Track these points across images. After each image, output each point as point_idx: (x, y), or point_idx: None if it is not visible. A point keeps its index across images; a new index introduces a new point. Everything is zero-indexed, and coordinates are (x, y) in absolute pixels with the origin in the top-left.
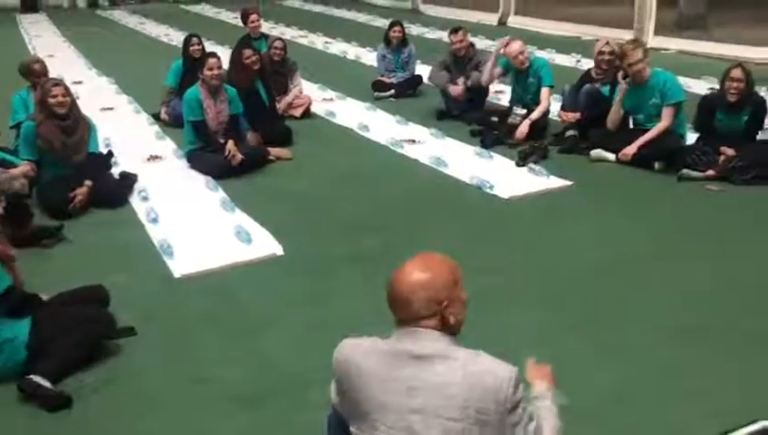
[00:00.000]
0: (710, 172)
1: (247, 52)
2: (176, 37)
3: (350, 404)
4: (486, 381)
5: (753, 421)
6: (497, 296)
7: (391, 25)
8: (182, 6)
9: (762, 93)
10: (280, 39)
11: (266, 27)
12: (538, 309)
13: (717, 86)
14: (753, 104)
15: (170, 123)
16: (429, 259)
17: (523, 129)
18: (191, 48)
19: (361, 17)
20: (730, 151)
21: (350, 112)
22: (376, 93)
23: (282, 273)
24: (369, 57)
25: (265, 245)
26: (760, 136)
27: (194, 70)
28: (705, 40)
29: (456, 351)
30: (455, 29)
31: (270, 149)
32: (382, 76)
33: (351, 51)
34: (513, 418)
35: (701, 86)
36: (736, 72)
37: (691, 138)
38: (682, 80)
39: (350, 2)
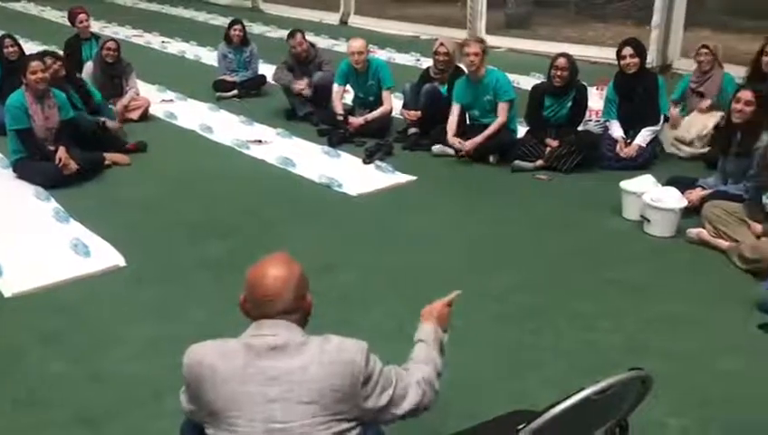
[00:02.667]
0: (539, 162)
1: (47, 60)
2: None
3: (205, 406)
4: (340, 356)
5: (581, 389)
6: (352, 292)
7: (231, 24)
8: (1, 4)
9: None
10: (113, 39)
11: (97, 27)
12: (391, 301)
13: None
14: (576, 90)
15: None
16: (284, 258)
17: (358, 121)
18: (5, 50)
19: (200, 16)
20: (554, 143)
21: (192, 114)
22: (218, 94)
23: (126, 285)
24: (210, 56)
25: (106, 256)
26: (581, 127)
27: (12, 73)
28: (530, 38)
29: (309, 338)
30: (291, 33)
31: (106, 155)
32: (224, 76)
33: (191, 50)
34: (366, 390)
35: (529, 82)
36: (561, 61)
37: (521, 132)
38: (512, 76)
39: (188, 0)
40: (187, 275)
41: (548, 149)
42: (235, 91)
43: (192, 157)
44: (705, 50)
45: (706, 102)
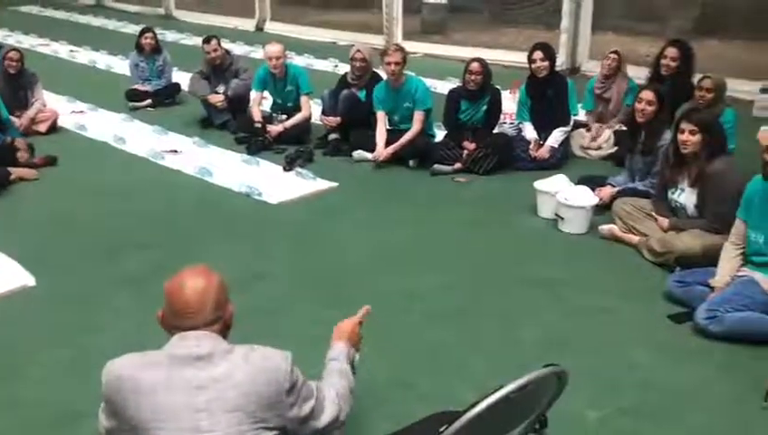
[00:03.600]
0: (457, 165)
1: None
2: None
3: (128, 421)
4: (265, 364)
5: (500, 387)
6: (276, 301)
7: (142, 32)
8: None
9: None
10: (15, 49)
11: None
12: (316, 309)
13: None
14: (490, 93)
15: None
16: (202, 269)
17: (276, 129)
18: None
19: (111, 24)
20: (471, 145)
21: (104, 124)
22: (131, 103)
23: (36, 306)
24: (122, 66)
25: (13, 276)
26: (496, 130)
27: None
28: (446, 44)
29: (234, 347)
30: (207, 38)
31: (12, 170)
32: (137, 85)
33: (101, 59)
34: (290, 398)
35: (446, 86)
36: (475, 66)
37: (440, 136)
38: (429, 80)
39: (97, 8)
40: (104, 292)
41: (465, 152)
42: (148, 101)
43: (105, 169)
44: (614, 55)
45: (612, 123)
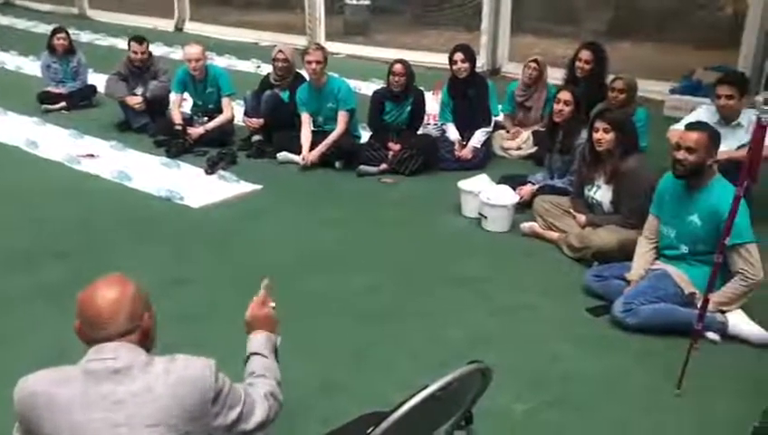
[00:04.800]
0: (383, 166)
1: None
2: None
3: None
4: (187, 374)
5: (425, 386)
6: (199, 307)
7: (54, 32)
8: None
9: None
10: None
11: None
12: (240, 314)
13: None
14: (414, 94)
15: None
16: (116, 278)
17: (197, 131)
18: None
19: (21, 23)
20: (396, 147)
21: (15, 128)
22: (44, 106)
23: None
24: (33, 67)
25: None
26: (420, 130)
27: None
28: (369, 45)
29: (154, 359)
30: (139, 39)
31: None
32: (50, 87)
33: (11, 60)
34: (215, 408)
35: (369, 87)
36: (398, 67)
37: (365, 137)
38: (353, 82)
39: (5, 6)
40: (18, 303)
41: (391, 153)
42: (62, 104)
43: (17, 175)
44: (533, 63)
45: (527, 131)
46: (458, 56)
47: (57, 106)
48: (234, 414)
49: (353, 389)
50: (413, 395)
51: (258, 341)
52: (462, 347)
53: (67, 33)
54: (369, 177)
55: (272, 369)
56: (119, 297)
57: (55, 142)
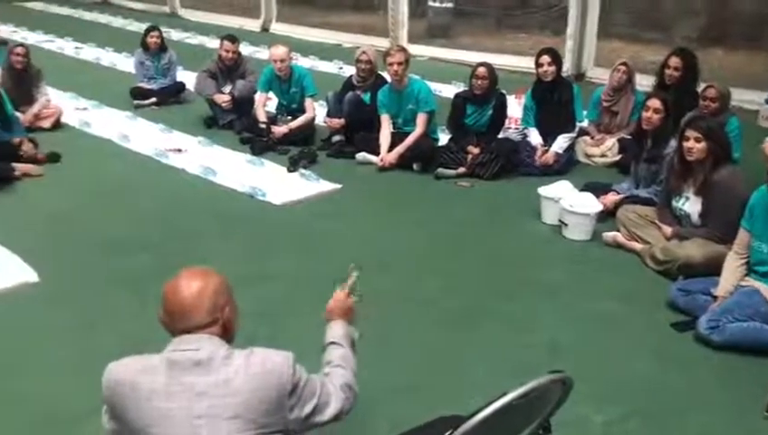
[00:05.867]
0: (461, 170)
1: None
2: None
3: (127, 424)
4: (266, 368)
5: (504, 393)
6: (277, 303)
7: (148, 30)
8: None
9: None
10: (21, 45)
11: (6, 31)
12: (317, 312)
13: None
14: (496, 97)
15: None
16: (200, 270)
17: (281, 130)
18: None
19: (116, 21)
20: (476, 150)
21: (108, 122)
22: (136, 101)
23: (38, 302)
24: (127, 63)
25: (15, 272)
26: (501, 134)
27: None
28: (452, 48)
29: (234, 352)
30: (231, 37)
31: (15, 166)
32: (142, 83)
33: (106, 57)
34: (291, 400)
35: (450, 90)
36: (481, 70)
37: (444, 140)
38: (434, 85)
39: (103, 5)
40: (106, 290)
41: (470, 156)
42: (153, 99)
43: (109, 167)
44: (623, 67)
45: (612, 138)
46: (545, 59)
47: (148, 102)
48: (309, 407)
49: (427, 392)
50: (492, 401)
51: (337, 330)
52: (539, 354)
53: (160, 31)
54: (446, 179)
55: (349, 360)
56: (202, 289)
57: (146, 136)
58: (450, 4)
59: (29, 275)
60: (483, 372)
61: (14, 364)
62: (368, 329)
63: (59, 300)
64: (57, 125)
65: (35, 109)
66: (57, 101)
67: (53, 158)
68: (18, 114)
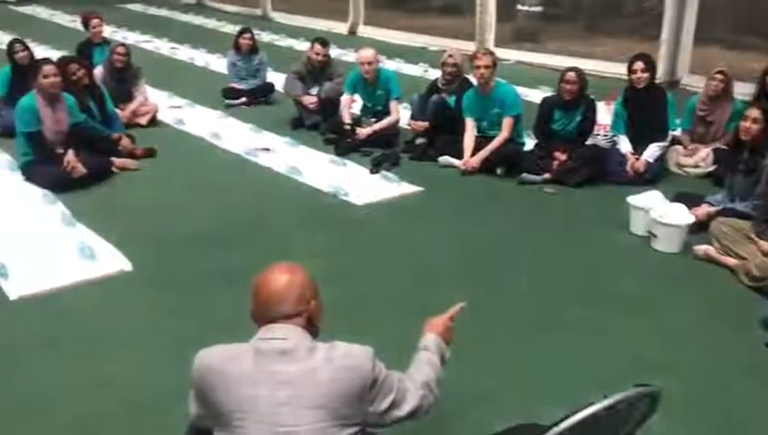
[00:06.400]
0: (546, 176)
1: (72, 66)
2: (4, 40)
3: (213, 409)
4: (347, 362)
5: (590, 404)
6: (356, 302)
7: (241, 32)
8: (10, 7)
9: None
10: (122, 45)
11: (108, 31)
12: (395, 312)
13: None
14: (585, 103)
15: (1, 133)
16: (289, 265)
17: (365, 131)
18: (16, 55)
19: (210, 23)
20: (562, 156)
21: (201, 120)
22: (227, 101)
23: (130, 289)
24: (219, 64)
25: (111, 260)
26: (589, 141)
27: (24, 77)
28: (540, 52)
29: (317, 344)
30: (322, 41)
31: (114, 160)
32: (233, 83)
33: (200, 57)
34: (371, 394)
35: (537, 95)
36: (571, 75)
37: (529, 145)
38: (520, 89)
39: (198, 7)
40: (194, 281)
41: (556, 162)
42: (243, 99)
43: (200, 163)
44: (720, 75)
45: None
46: (638, 65)
47: (238, 101)
48: (387, 401)
49: (507, 400)
50: (575, 411)
51: (431, 339)
52: (622, 367)
53: (252, 33)
54: (531, 185)
55: (434, 364)
56: (289, 281)
57: (235, 135)
58: (539, 8)
59: (123, 263)
60: (562, 383)
61: (105, 349)
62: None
63: (150, 289)
64: (153, 122)
65: (134, 106)
66: (153, 99)
67: (149, 153)
68: (118, 111)
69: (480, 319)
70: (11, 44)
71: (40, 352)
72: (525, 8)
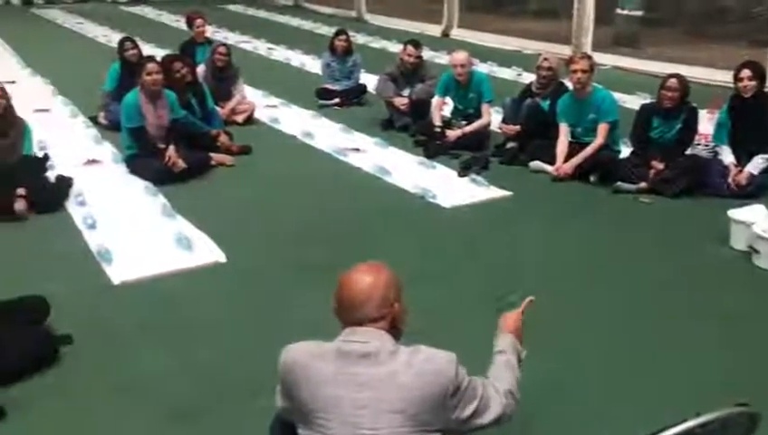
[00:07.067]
0: (642, 185)
1: (177, 64)
2: (114, 39)
3: (297, 405)
4: (430, 367)
5: (684, 420)
6: (441, 304)
7: (337, 34)
8: (121, 7)
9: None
10: (224, 44)
11: (209, 31)
12: (480, 316)
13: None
14: (686, 111)
15: (109, 127)
16: (374, 266)
17: (455, 134)
18: (126, 53)
19: (306, 24)
20: (660, 165)
21: (294, 119)
22: (320, 101)
23: (224, 280)
24: (314, 65)
25: (207, 252)
26: (689, 151)
27: (132, 73)
28: (638, 57)
29: (399, 348)
30: (415, 43)
31: (212, 156)
32: (327, 84)
33: (296, 58)
34: (453, 401)
35: (634, 101)
36: (672, 82)
37: (625, 152)
38: (617, 95)
39: (295, 8)
40: (285, 276)
41: (653, 171)
42: (336, 100)
43: (293, 161)
44: None
45: None
46: (746, 73)
47: (331, 102)
48: (470, 409)
49: (594, 411)
50: (669, 426)
51: (507, 341)
52: (716, 386)
53: (347, 35)
54: (625, 194)
55: (513, 368)
56: (373, 284)
57: (327, 135)
58: (640, 12)
59: (218, 255)
60: (655, 399)
61: (198, 336)
62: (529, 341)
63: (242, 281)
64: (250, 120)
65: (232, 104)
66: (251, 97)
67: (245, 150)
68: (217, 108)
69: (567, 329)
70: (121, 42)
71: (138, 336)
72: (626, 12)
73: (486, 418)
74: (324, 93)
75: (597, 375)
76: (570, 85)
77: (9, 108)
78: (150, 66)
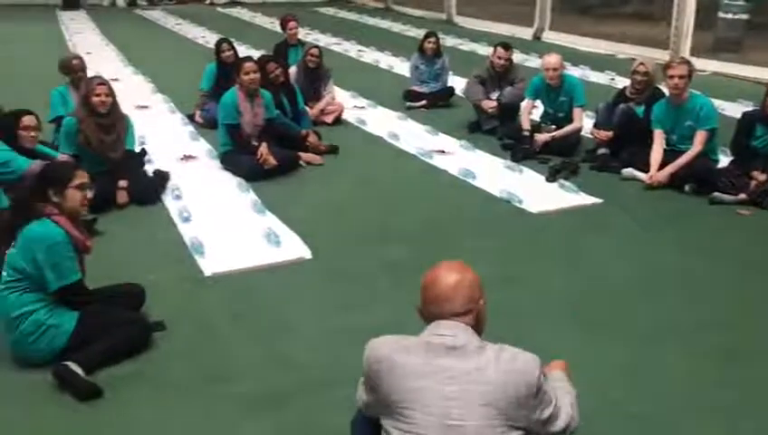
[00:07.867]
0: (742, 196)
1: (271, 65)
2: (212, 39)
3: (383, 398)
4: (516, 366)
5: None
6: (523, 309)
7: (426, 36)
8: (218, 9)
9: None
10: (316, 46)
11: (302, 33)
12: (562, 323)
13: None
14: None
15: (204, 125)
16: (459, 264)
17: (544, 138)
18: (223, 54)
19: (396, 27)
20: (762, 176)
21: (381, 121)
22: (408, 103)
23: (309, 276)
24: (402, 67)
25: (294, 248)
26: None
27: (228, 74)
28: (741, 63)
29: (486, 344)
30: (505, 45)
31: (301, 154)
32: (415, 86)
33: (384, 60)
34: (535, 401)
35: (735, 109)
36: None
37: (724, 162)
38: (717, 102)
39: (385, 11)
40: (368, 274)
41: (754, 182)
42: (423, 102)
43: (379, 162)
44: None
45: None
46: None
47: (418, 104)
48: (548, 412)
49: (686, 428)
50: None
51: (559, 375)
52: None
53: (437, 37)
54: (723, 205)
55: (572, 394)
56: (459, 280)
57: (413, 136)
58: (745, 16)
59: (304, 251)
60: (753, 421)
61: (283, 329)
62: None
63: (327, 277)
64: (338, 121)
65: (322, 105)
66: (339, 98)
67: (333, 150)
68: (307, 108)
69: (653, 342)
70: (218, 44)
71: (226, 326)
72: (729, 16)
73: (557, 425)
74: (412, 95)
75: (694, 395)
76: (666, 91)
77: (115, 105)
78: (248, 65)
